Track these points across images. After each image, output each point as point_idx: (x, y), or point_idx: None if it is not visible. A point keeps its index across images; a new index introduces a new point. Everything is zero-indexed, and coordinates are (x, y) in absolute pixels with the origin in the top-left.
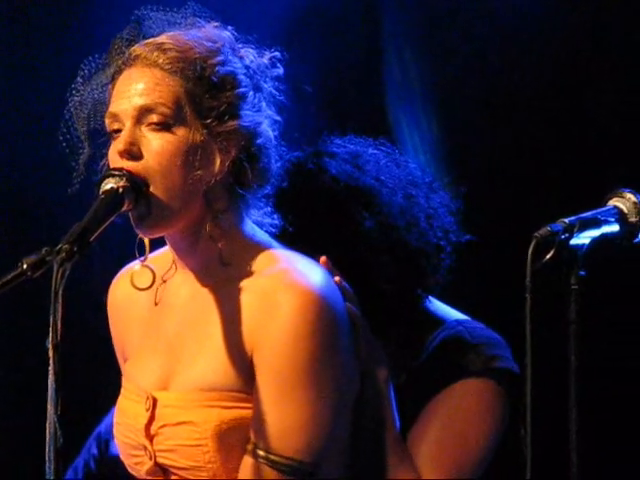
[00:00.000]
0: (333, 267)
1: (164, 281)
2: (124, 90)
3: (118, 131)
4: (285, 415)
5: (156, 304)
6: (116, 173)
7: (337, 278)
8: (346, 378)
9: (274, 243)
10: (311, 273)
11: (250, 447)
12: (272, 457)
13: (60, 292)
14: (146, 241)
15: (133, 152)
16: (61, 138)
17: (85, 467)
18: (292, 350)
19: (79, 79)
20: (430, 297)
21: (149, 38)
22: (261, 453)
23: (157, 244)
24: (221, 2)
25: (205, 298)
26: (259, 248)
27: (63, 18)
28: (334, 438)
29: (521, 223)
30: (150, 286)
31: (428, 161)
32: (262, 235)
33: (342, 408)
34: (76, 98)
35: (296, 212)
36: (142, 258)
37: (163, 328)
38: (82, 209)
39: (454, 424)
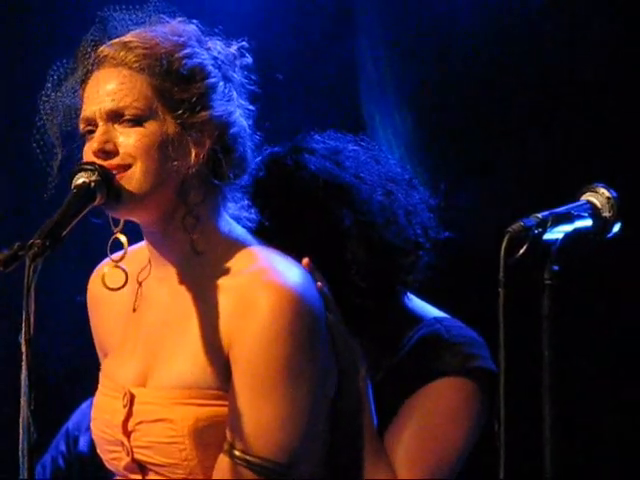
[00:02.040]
0: (314, 269)
1: (139, 283)
2: (94, 93)
3: (92, 132)
4: (260, 415)
5: (134, 310)
6: (88, 167)
7: (319, 284)
8: (322, 378)
9: (251, 239)
10: (289, 272)
11: (226, 446)
12: (247, 457)
13: (32, 287)
14: (124, 242)
15: (108, 149)
16: (34, 145)
17: (53, 464)
18: (268, 349)
19: (49, 85)
20: (408, 294)
21: (114, 38)
22: (236, 453)
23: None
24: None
25: (183, 296)
26: (237, 245)
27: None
28: (310, 438)
29: (494, 218)
30: (122, 286)
31: (402, 156)
32: (239, 230)
33: (318, 408)
34: (47, 105)
35: (275, 208)
36: (116, 256)
37: (142, 325)
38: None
39: (431, 423)
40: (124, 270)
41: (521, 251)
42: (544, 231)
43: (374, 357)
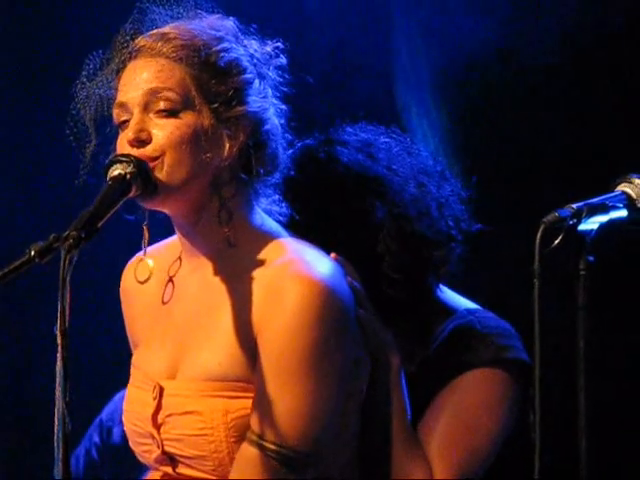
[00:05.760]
0: (345, 262)
1: (170, 276)
2: (131, 80)
3: (126, 121)
4: (282, 403)
5: (164, 303)
6: (123, 159)
7: (349, 278)
8: (349, 370)
9: (283, 232)
10: (318, 264)
11: (250, 435)
12: (266, 444)
13: (68, 278)
14: (145, 234)
15: (142, 138)
16: (68, 132)
17: (87, 455)
18: (294, 338)
19: (84, 74)
20: (441, 286)
21: (152, 30)
22: (255, 439)
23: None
24: None
25: (214, 288)
26: (268, 238)
27: (64, 16)
28: (335, 429)
29: (529, 209)
30: (147, 279)
31: (437, 148)
32: (271, 224)
33: (345, 400)
34: (82, 93)
35: (307, 201)
36: (143, 251)
37: (173, 317)
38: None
39: (464, 415)
40: (149, 263)
41: (556, 242)
42: (579, 222)
43: (407, 350)
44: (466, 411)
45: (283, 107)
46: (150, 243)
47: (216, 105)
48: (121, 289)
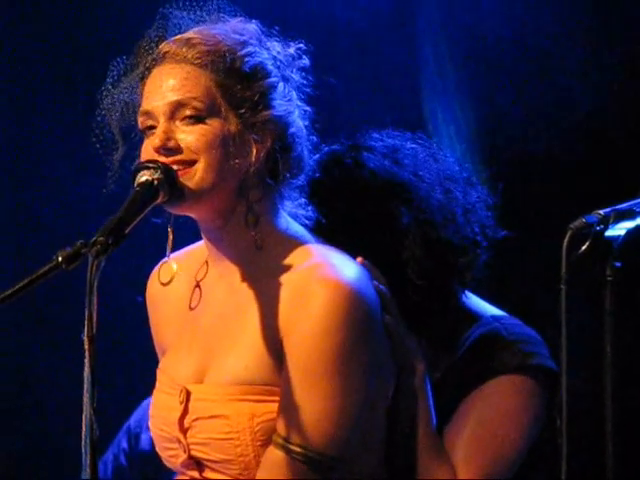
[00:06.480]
0: (372, 267)
1: (197, 281)
2: (156, 88)
3: (152, 127)
4: (308, 405)
5: (191, 308)
6: (151, 165)
7: (375, 282)
8: (375, 374)
9: (308, 236)
10: (345, 267)
11: (274, 437)
12: (292, 447)
13: (95, 284)
14: (170, 236)
15: (169, 146)
16: (94, 140)
17: (115, 461)
18: (320, 341)
19: (109, 80)
20: (467, 292)
21: (175, 35)
22: (281, 442)
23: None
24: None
25: (240, 292)
26: (294, 242)
27: (84, 21)
28: (360, 434)
29: (556, 215)
30: (170, 281)
31: (464, 154)
32: (297, 228)
33: (370, 404)
34: (107, 100)
35: (333, 206)
36: (168, 253)
37: (200, 322)
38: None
39: (490, 422)
40: (172, 265)
41: (583, 247)
42: (606, 227)
43: (433, 356)
44: (491, 418)
45: (307, 109)
46: (176, 248)
47: (242, 111)
48: (147, 296)
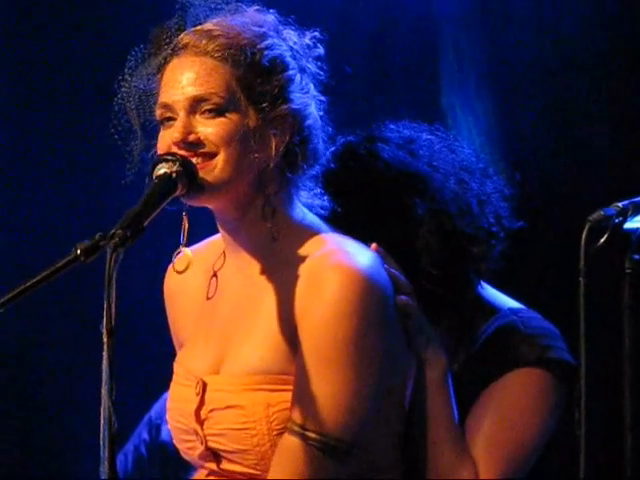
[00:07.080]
0: (386, 254)
1: (214, 273)
2: (175, 80)
3: (170, 119)
4: (321, 391)
5: (208, 299)
6: (169, 158)
7: (392, 270)
8: (389, 362)
9: (323, 226)
10: (358, 255)
11: (288, 424)
12: (307, 433)
13: (114, 277)
14: (185, 223)
15: (190, 140)
16: (112, 130)
17: (135, 452)
18: (332, 327)
19: (126, 70)
20: (484, 284)
21: (194, 26)
22: (297, 429)
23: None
24: None
25: (256, 283)
26: (309, 232)
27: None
28: (375, 420)
29: (575, 207)
30: (186, 269)
31: (482, 145)
32: (312, 218)
33: (386, 391)
34: (124, 89)
35: (348, 197)
36: (182, 240)
37: (217, 313)
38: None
39: (508, 415)
40: (187, 252)
41: (602, 240)
42: (625, 220)
43: (450, 348)
44: (510, 411)
45: (322, 99)
46: (191, 242)
47: (262, 105)
48: (164, 289)
